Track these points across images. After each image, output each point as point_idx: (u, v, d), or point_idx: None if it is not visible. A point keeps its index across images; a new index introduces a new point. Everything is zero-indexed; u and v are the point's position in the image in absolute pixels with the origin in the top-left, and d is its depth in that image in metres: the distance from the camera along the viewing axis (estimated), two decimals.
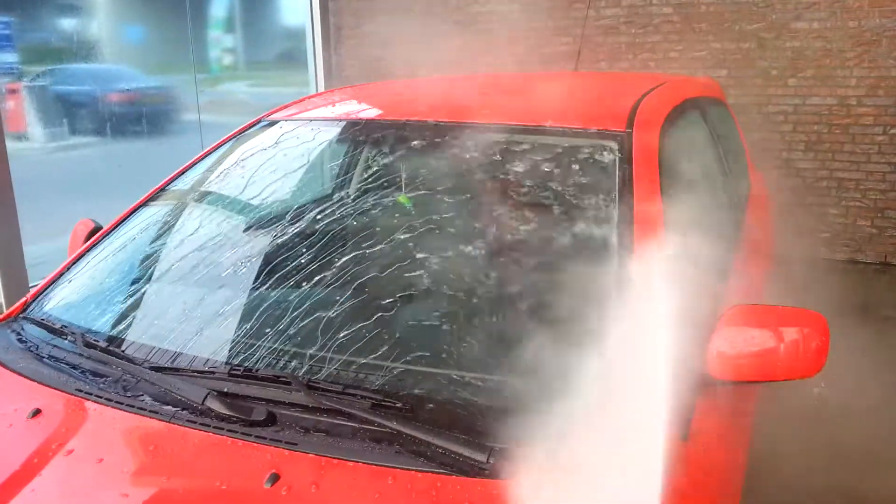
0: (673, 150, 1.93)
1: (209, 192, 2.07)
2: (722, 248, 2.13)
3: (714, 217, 2.23)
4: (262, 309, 1.54)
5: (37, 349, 1.54)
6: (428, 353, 1.42)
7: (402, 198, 1.95)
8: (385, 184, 2.05)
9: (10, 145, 3.34)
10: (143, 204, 2.00)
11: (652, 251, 1.50)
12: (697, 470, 1.31)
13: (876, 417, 2.97)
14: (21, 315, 1.71)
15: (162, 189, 2.05)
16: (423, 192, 1.96)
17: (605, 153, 1.77)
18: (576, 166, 1.81)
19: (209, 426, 1.27)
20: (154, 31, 6.73)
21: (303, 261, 1.70)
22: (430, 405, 1.28)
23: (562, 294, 1.53)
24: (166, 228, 1.93)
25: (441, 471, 1.16)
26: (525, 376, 1.36)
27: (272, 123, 2.26)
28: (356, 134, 2.31)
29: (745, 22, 5.31)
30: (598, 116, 1.93)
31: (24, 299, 1.78)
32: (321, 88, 6.05)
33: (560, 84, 2.59)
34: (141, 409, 1.32)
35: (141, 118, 6.58)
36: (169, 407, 1.32)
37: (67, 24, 6.21)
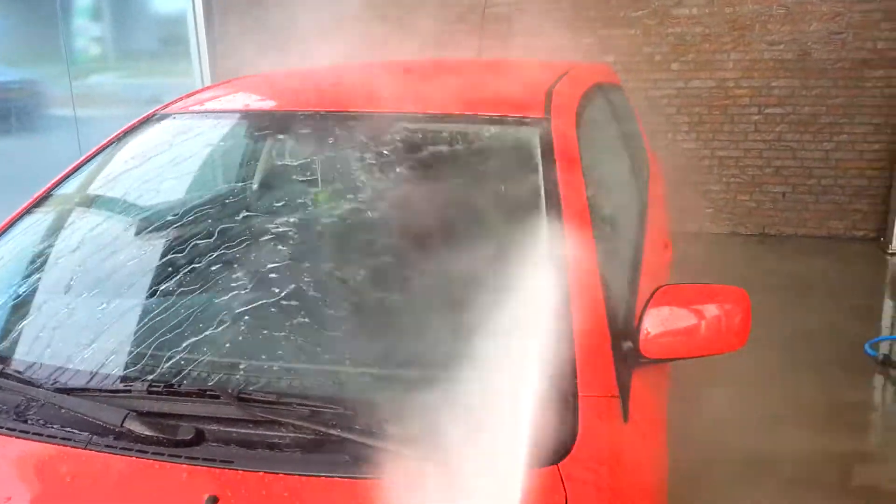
0: (587, 135, 1.95)
1: (103, 195, 1.90)
2: (636, 230, 2.19)
3: (627, 199, 2.29)
4: (177, 318, 1.43)
5: None
6: (362, 353, 1.37)
7: (320, 195, 1.87)
8: (292, 178, 1.96)
9: None
10: (28, 210, 1.81)
11: (582, 236, 1.50)
12: (638, 451, 1.33)
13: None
14: None
15: (48, 193, 1.87)
16: (333, 186, 1.89)
17: (525, 139, 1.76)
18: (496, 153, 1.79)
19: (132, 450, 1.16)
20: (15, 21, 6.20)
21: (216, 264, 1.59)
22: (375, 407, 1.23)
23: (496, 285, 1.51)
24: (57, 236, 1.76)
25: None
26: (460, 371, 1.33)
27: (166, 117, 2.11)
28: (257, 126, 2.20)
29: (631, 9, 5.50)
30: (515, 103, 1.92)
31: None
32: (206, 78, 5.76)
33: (471, 71, 2.56)
34: (51, 436, 1.19)
35: (6, 114, 6.07)
36: (84, 432, 1.20)
37: None
